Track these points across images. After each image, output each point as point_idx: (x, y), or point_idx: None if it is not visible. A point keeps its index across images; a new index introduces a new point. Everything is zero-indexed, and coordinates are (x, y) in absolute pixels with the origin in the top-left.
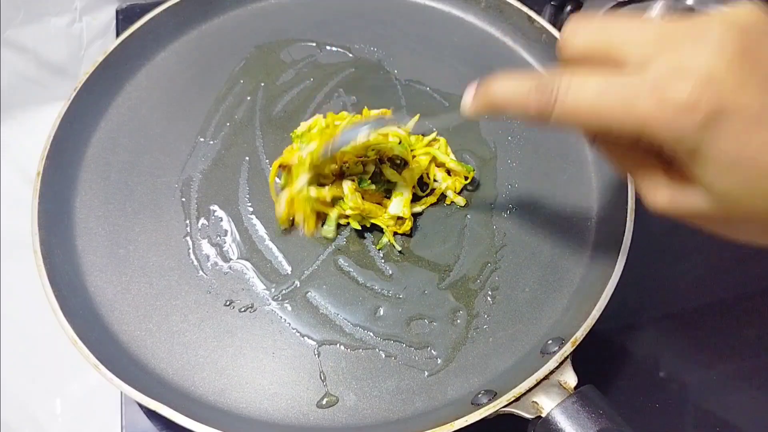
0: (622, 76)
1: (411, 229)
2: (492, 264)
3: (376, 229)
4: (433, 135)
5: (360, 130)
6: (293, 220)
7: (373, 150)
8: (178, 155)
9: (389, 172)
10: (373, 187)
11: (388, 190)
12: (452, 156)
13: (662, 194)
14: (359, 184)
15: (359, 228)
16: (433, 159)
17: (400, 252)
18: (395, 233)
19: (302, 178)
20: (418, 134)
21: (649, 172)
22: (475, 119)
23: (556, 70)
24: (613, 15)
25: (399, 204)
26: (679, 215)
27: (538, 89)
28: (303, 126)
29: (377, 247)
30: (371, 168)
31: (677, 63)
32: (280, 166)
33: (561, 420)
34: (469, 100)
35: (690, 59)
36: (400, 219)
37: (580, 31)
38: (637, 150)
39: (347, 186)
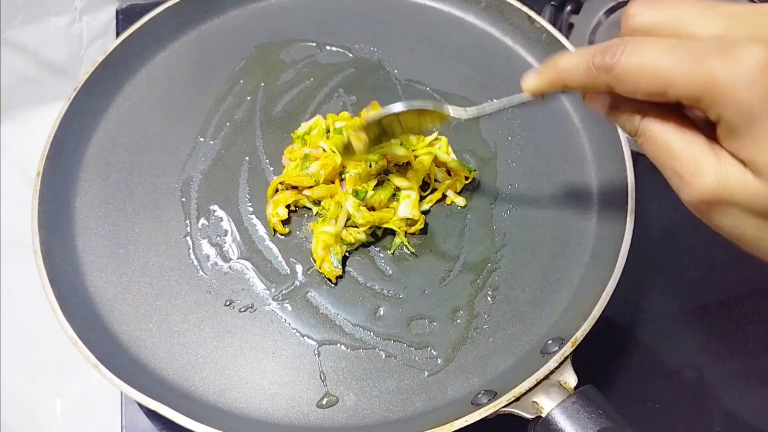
0: (692, 41)
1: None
2: (492, 264)
3: (386, 233)
4: (435, 135)
5: (399, 106)
6: (284, 222)
7: (377, 161)
8: (178, 155)
9: (397, 179)
10: (380, 195)
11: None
12: (453, 156)
13: (708, 176)
14: (356, 196)
15: (371, 240)
16: (434, 159)
17: (412, 253)
18: (406, 233)
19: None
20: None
21: (695, 154)
22: (537, 95)
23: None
24: None
25: (408, 206)
26: (723, 200)
27: (603, 48)
28: (303, 126)
29: (390, 251)
30: (374, 181)
31: (750, 33)
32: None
33: (561, 420)
34: (531, 77)
35: (763, 31)
36: (409, 219)
37: (650, 7)
38: (687, 126)
39: (350, 204)
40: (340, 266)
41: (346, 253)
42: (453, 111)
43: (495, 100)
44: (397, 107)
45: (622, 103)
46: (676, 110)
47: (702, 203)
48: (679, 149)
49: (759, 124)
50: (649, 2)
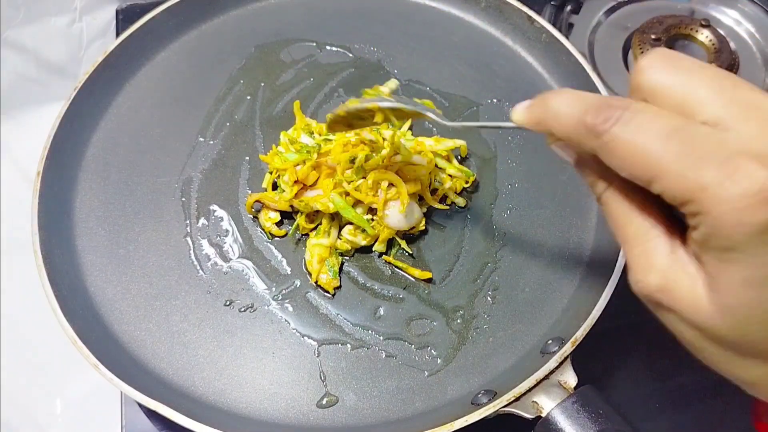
0: (696, 129)
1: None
2: (492, 264)
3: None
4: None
5: (394, 102)
6: (280, 223)
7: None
8: (178, 155)
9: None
10: (366, 185)
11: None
12: (454, 161)
13: (655, 276)
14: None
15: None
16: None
17: (410, 255)
18: (406, 233)
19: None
20: (420, 136)
21: (650, 246)
22: (524, 128)
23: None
24: (701, 63)
25: (395, 216)
26: (664, 305)
27: (602, 106)
28: (283, 136)
29: (389, 260)
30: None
31: (760, 144)
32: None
33: (561, 420)
34: (521, 110)
35: None
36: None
37: (664, 66)
38: (651, 212)
39: (346, 232)
40: (337, 278)
41: (350, 269)
42: (437, 117)
43: (484, 122)
44: (385, 103)
45: (591, 161)
46: (642, 188)
47: (644, 298)
48: (634, 237)
49: (735, 251)
50: (664, 60)
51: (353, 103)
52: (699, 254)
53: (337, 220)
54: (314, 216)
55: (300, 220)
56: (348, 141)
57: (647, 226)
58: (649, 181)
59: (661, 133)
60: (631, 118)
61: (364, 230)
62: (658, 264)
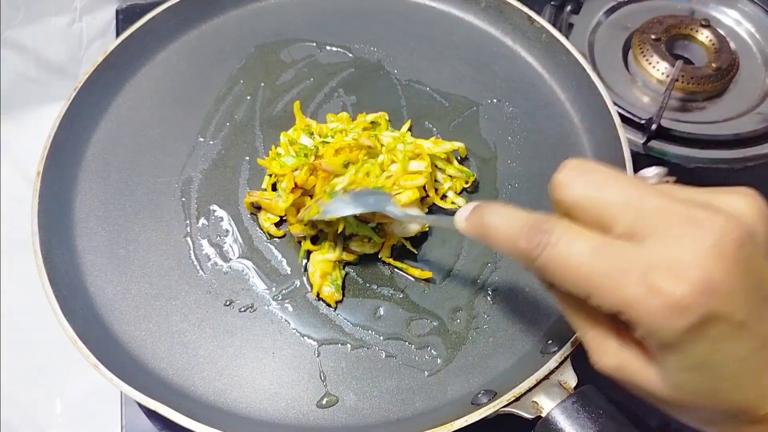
0: (614, 246)
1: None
2: (492, 264)
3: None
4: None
5: (352, 208)
6: (279, 224)
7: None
8: (178, 155)
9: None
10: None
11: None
12: (455, 163)
13: (610, 358)
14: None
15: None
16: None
17: (413, 254)
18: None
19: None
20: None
21: (601, 332)
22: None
23: (551, 215)
24: (611, 173)
25: (398, 226)
26: (623, 383)
27: (530, 231)
28: (283, 137)
29: (389, 260)
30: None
31: (674, 254)
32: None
33: (561, 420)
34: (463, 218)
35: (687, 254)
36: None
37: (576, 182)
38: (593, 309)
39: (354, 245)
40: (340, 292)
41: (349, 270)
42: (395, 211)
43: (436, 216)
44: (346, 210)
45: None
46: None
47: (605, 375)
48: (584, 325)
49: (669, 348)
50: (577, 175)
51: (314, 213)
52: (642, 343)
53: (342, 233)
54: (320, 233)
55: (306, 245)
56: (344, 145)
57: (594, 316)
58: (586, 297)
59: (585, 254)
60: (557, 241)
61: (370, 240)
62: (610, 348)
